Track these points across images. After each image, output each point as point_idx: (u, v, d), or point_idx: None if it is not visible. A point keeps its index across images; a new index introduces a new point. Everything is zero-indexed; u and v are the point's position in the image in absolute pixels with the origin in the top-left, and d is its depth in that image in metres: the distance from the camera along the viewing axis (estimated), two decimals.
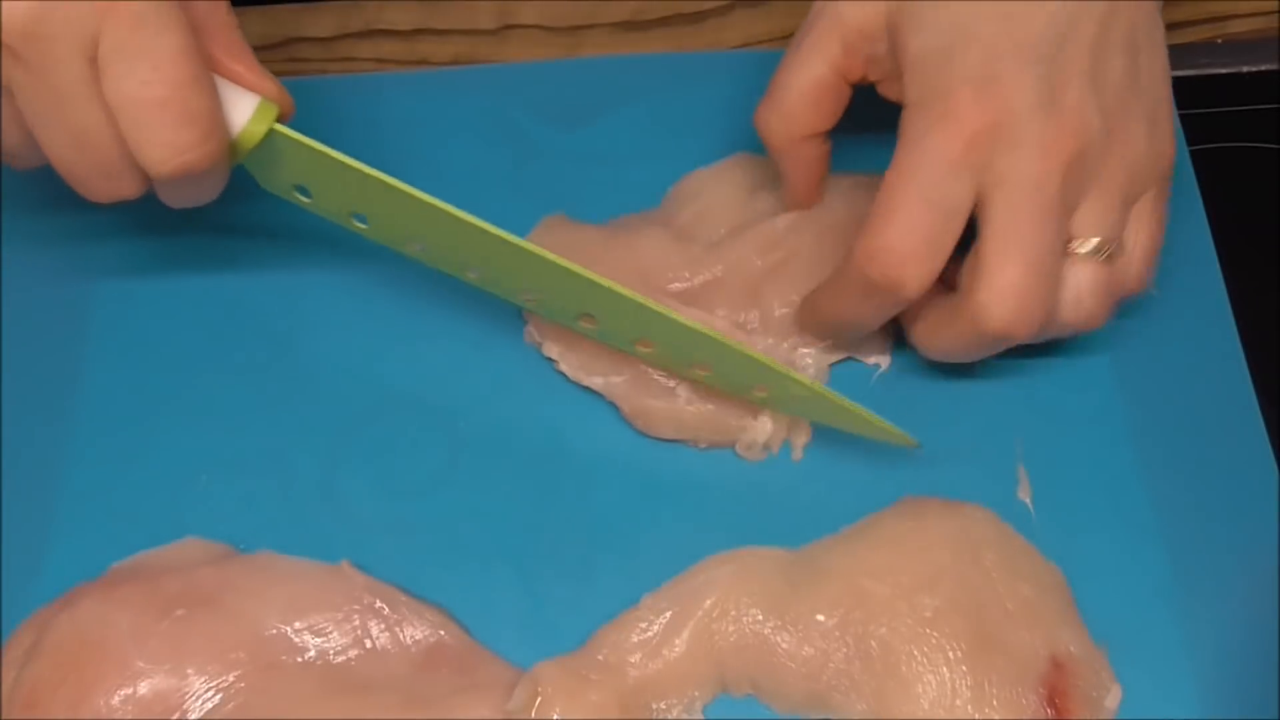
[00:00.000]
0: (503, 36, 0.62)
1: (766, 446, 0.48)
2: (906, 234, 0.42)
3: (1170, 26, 0.61)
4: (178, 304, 0.53)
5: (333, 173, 0.45)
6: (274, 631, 0.44)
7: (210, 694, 0.42)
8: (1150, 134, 0.44)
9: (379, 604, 0.44)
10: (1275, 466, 0.47)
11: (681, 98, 0.57)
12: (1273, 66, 0.60)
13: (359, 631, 0.44)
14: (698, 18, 0.62)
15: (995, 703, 0.42)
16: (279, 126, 0.45)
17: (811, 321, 0.48)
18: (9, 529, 0.48)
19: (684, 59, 0.60)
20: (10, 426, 0.50)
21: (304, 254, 0.54)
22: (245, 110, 0.44)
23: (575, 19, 0.62)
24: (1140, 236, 0.45)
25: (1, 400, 0.51)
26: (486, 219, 0.54)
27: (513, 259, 0.45)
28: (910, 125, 0.43)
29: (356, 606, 0.44)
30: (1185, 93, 0.57)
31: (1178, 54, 0.59)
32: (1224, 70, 0.60)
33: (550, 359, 0.50)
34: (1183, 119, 0.56)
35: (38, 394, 0.51)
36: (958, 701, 0.42)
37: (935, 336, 0.46)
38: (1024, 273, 0.42)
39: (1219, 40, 0.61)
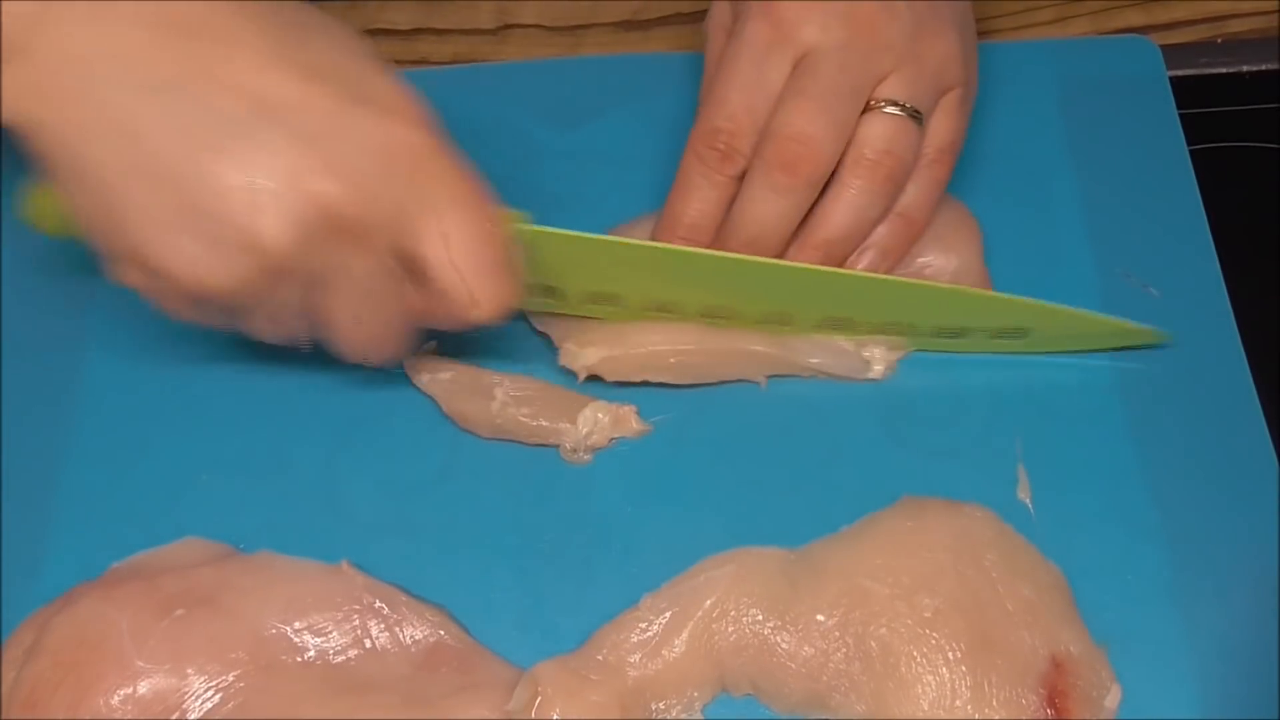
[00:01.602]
0: (503, 36, 0.62)
1: (592, 448, 0.49)
2: (732, 115, 0.47)
3: (1170, 26, 0.61)
4: None
5: (582, 254, 0.46)
6: (274, 631, 0.44)
7: (210, 694, 0.42)
8: (961, 38, 0.49)
9: (379, 604, 0.44)
10: (1276, 466, 0.47)
11: (681, 98, 0.57)
12: (1273, 66, 0.60)
13: (359, 631, 0.44)
14: (698, 17, 0.62)
15: (995, 703, 0.42)
16: (535, 226, 0.45)
17: (667, 230, 0.49)
18: (9, 529, 0.48)
19: (684, 59, 0.60)
20: (10, 426, 0.50)
21: None
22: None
23: (575, 19, 0.62)
24: (943, 123, 0.49)
25: (1, 400, 0.51)
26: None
27: (770, 281, 0.47)
28: (735, 26, 0.49)
29: (356, 606, 0.44)
30: (1185, 93, 0.57)
31: (1178, 54, 0.60)
32: (1224, 70, 0.60)
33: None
34: (1183, 119, 0.56)
35: (38, 394, 0.51)
36: (957, 702, 0.42)
37: (745, 201, 0.47)
38: (812, 105, 0.46)
39: (1219, 40, 0.61)
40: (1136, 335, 0.49)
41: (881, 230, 0.48)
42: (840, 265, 0.48)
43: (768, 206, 0.47)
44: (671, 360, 0.49)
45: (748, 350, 0.49)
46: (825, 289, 0.48)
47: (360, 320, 0.43)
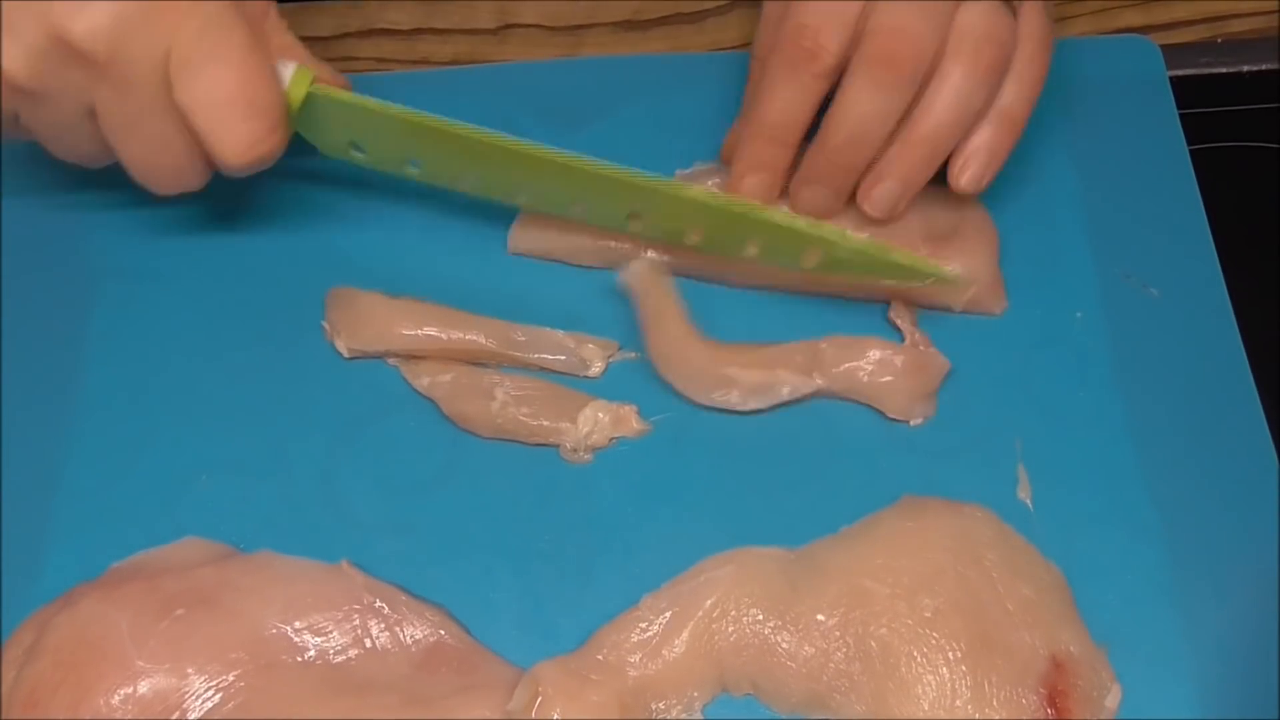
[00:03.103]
0: (503, 36, 0.62)
1: (592, 448, 0.49)
2: (818, 11, 0.46)
3: (1170, 26, 0.61)
4: (178, 304, 0.53)
5: (376, 123, 0.49)
6: (274, 631, 0.44)
7: (210, 694, 0.42)
8: None
9: (379, 604, 0.44)
10: (1276, 466, 0.47)
11: (681, 98, 0.57)
12: (1273, 66, 0.60)
13: (359, 631, 0.44)
14: (697, 17, 0.62)
15: (995, 703, 0.42)
16: (316, 87, 0.48)
17: (751, 133, 0.49)
18: (9, 529, 0.48)
19: (684, 59, 0.60)
20: (10, 426, 0.50)
21: (304, 254, 0.54)
22: (284, 77, 0.47)
23: (575, 19, 0.62)
24: (1033, 19, 0.48)
25: (1, 400, 0.51)
26: (485, 219, 0.55)
27: (560, 175, 0.48)
28: None
29: (356, 606, 0.44)
30: (1185, 93, 0.57)
31: (1178, 54, 0.60)
32: (1224, 70, 0.60)
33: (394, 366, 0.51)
34: (1183, 119, 0.56)
35: (38, 393, 0.51)
36: (957, 702, 0.42)
37: (846, 99, 0.47)
38: (910, 2, 0.45)
39: (1219, 40, 0.61)
40: (914, 272, 0.49)
41: (985, 133, 0.48)
42: (953, 157, 0.48)
43: (870, 104, 0.46)
44: (411, 344, 0.50)
45: (477, 342, 0.50)
46: (616, 189, 0.49)
47: (135, 149, 0.47)
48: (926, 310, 0.51)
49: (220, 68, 0.45)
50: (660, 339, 0.50)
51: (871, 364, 0.48)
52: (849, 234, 0.49)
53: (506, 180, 0.50)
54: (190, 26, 0.44)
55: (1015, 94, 0.48)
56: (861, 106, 0.46)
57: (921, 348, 0.49)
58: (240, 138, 0.45)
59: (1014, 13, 0.47)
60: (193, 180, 0.48)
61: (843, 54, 0.46)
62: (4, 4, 0.43)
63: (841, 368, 0.48)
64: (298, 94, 0.47)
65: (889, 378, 0.48)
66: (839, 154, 0.47)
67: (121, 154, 0.47)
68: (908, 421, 0.49)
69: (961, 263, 0.50)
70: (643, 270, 0.51)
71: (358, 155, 0.51)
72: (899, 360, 0.48)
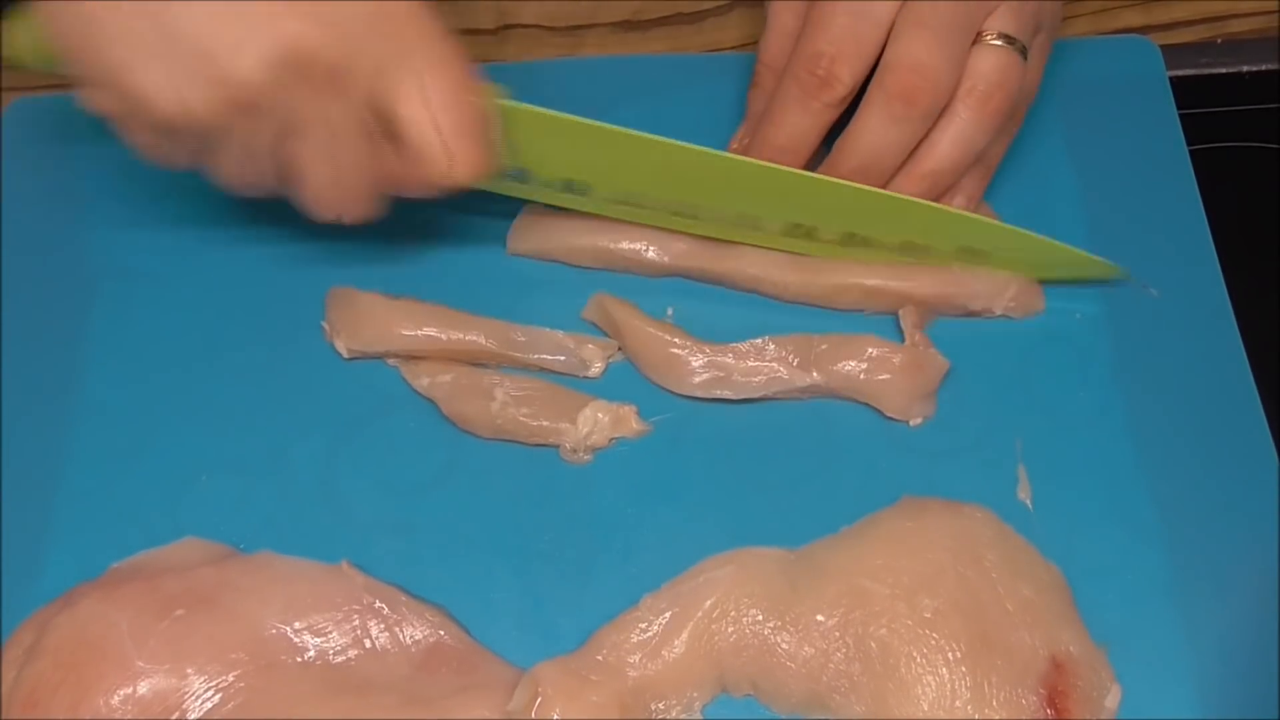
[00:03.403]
0: (503, 36, 0.62)
1: (591, 448, 0.49)
2: (836, 39, 0.47)
3: (1170, 26, 0.61)
4: (178, 304, 0.53)
5: (558, 135, 0.47)
6: (274, 631, 0.44)
7: (210, 694, 0.42)
8: None
9: (379, 604, 0.44)
10: (1276, 466, 0.47)
11: (681, 98, 0.57)
12: (1273, 66, 0.60)
13: (359, 631, 0.44)
14: (697, 18, 0.62)
15: (995, 703, 0.42)
16: (505, 101, 0.46)
17: (757, 155, 0.49)
18: (9, 529, 0.48)
19: (684, 59, 0.60)
20: (10, 426, 0.50)
21: (304, 254, 0.54)
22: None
23: (575, 19, 0.62)
24: (1036, 58, 0.50)
25: (1, 400, 0.51)
26: (485, 220, 0.54)
27: (731, 180, 0.48)
28: None
29: (356, 606, 0.44)
30: (1185, 93, 0.57)
31: (1178, 54, 0.60)
32: (1224, 70, 0.60)
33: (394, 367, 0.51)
34: (1183, 119, 0.56)
35: (38, 394, 0.51)
36: (957, 702, 0.42)
37: (860, 129, 0.47)
38: (931, 36, 0.46)
39: (1219, 40, 0.61)
40: (1095, 267, 0.50)
41: (967, 180, 0.50)
42: (940, 198, 0.49)
43: (884, 136, 0.47)
44: (411, 344, 0.50)
45: (477, 342, 0.50)
46: (787, 191, 0.48)
47: (330, 172, 0.44)
48: (961, 318, 0.51)
49: (449, 79, 0.42)
50: (636, 344, 0.50)
51: (868, 361, 0.48)
52: (1012, 227, 0.49)
53: (671, 198, 0.49)
54: (424, 35, 0.42)
55: (999, 143, 0.50)
56: (876, 136, 0.47)
57: (921, 349, 0.49)
58: (465, 154, 0.43)
59: (1025, 57, 0.48)
60: (372, 208, 0.47)
61: (856, 84, 0.47)
62: (233, 9, 0.40)
63: (838, 365, 0.49)
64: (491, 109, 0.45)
65: (886, 376, 0.48)
66: (850, 179, 0.48)
67: (313, 176, 0.45)
68: (907, 421, 0.49)
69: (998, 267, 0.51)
70: (596, 305, 0.51)
71: (513, 184, 0.49)
72: (897, 358, 0.48)
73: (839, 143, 0.48)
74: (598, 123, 0.46)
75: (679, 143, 0.47)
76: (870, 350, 0.49)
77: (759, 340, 0.49)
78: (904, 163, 0.48)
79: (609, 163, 0.48)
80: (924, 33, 0.46)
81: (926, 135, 0.48)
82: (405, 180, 0.45)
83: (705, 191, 0.49)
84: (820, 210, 0.49)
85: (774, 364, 0.49)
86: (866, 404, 0.49)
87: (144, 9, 0.40)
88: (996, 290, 0.50)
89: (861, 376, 0.49)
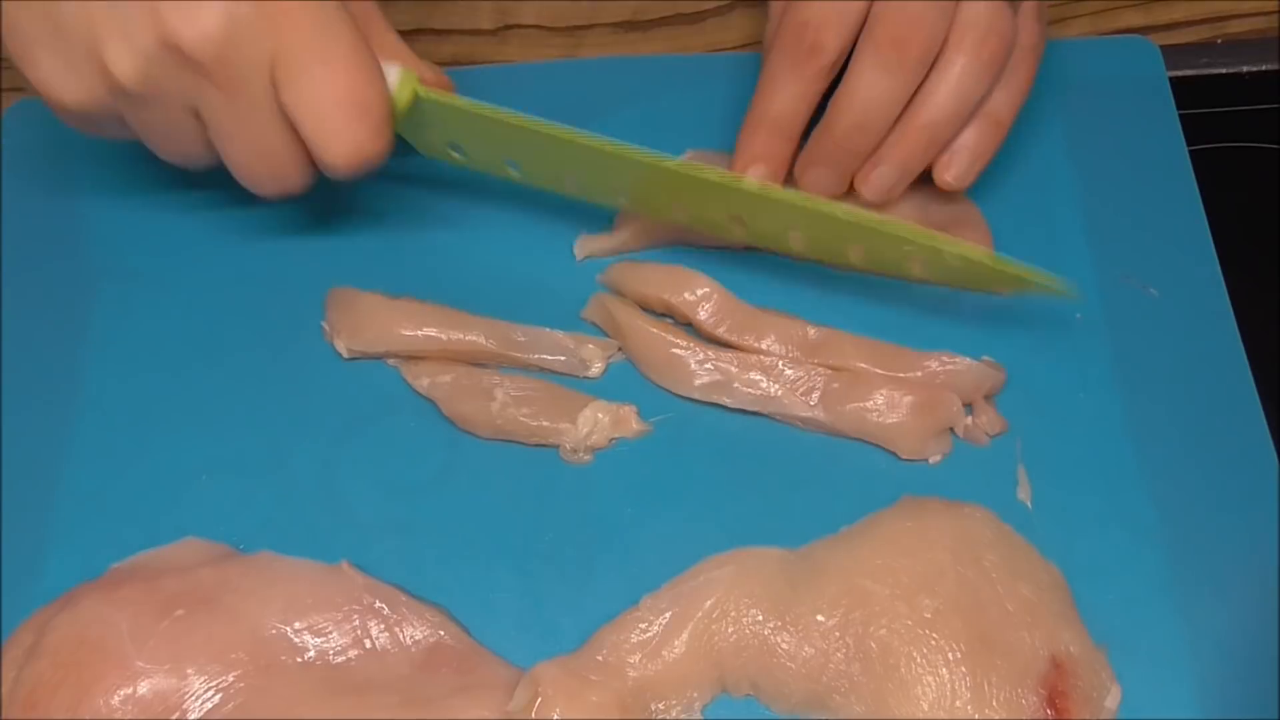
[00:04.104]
0: (503, 36, 0.62)
1: (592, 448, 0.49)
2: (820, 7, 0.47)
3: (1170, 26, 0.61)
4: (178, 304, 0.53)
5: (479, 125, 0.48)
6: (274, 631, 0.44)
7: (210, 694, 0.42)
8: None
9: (379, 604, 0.44)
10: (1276, 466, 0.47)
11: (681, 98, 0.57)
12: (1273, 66, 0.60)
13: (359, 631, 0.44)
14: (698, 18, 0.62)
15: (995, 703, 0.42)
16: (422, 90, 0.48)
17: (753, 128, 0.50)
18: (9, 529, 0.48)
19: (684, 60, 0.60)
20: (10, 426, 0.50)
21: (303, 255, 0.54)
22: (390, 81, 0.47)
23: (575, 19, 0.62)
24: (1027, 24, 0.49)
25: (1, 400, 0.51)
26: (485, 220, 0.54)
27: (663, 179, 0.48)
28: None
29: (356, 606, 0.44)
30: (1185, 93, 0.57)
31: (1178, 54, 0.60)
32: (1224, 70, 0.60)
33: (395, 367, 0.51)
34: (1183, 119, 0.56)
35: (38, 394, 0.51)
36: (957, 703, 0.42)
37: (853, 82, 0.47)
38: None
39: (1219, 40, 0.61)
40: (1034, 283, 0.48)
41: (971, 132, 0.49)
42: (939, 152, 0.49)
43: (877, 87, 0.47)
44: (411, 344, 0.50)
45: (477, 342, 0.50)
46: (722, 193, 0.48)
47: (241, 152, 0.47)
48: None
49: (329, 69, 0.44)
50: (637, 344, 0.50)
51: (877, 405, 0.48)
52: (963, 244, 0.47)
53: (607, 182, 0.50)
54: (300, 28, 0.44)
55: (1003, 97, 0.49)
56: (869, 90, 0.47)
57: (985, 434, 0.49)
58: (347, 141, 0.45)
59: (1015, 11, 0.48)
60: (296, 183, 0.48)
61: (843, 50, 0.47)
62: (112, 6, 0.43)
63: (847, 406, 0.48)
64: (403, 97, 0.47)
65: (896, 419, 0.48)
66: (845, 138, 0.48)
67: (226, 156, 0.47)
68: (925, 461, 0.48)
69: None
70: (596, 305, 0.51)
71: (456, 156, 0.51)
72: (906, 400, 0.48)
73: (833, 101, 0.48)
74: (502, 114, 0.48)
75: (591, 139, 0.47)
76: (879, 396, 0.48)
77: (771, 358, 0.49)
78: (900, 116, 0.48)
79: (533, 150, 0.49)
80: None
81: (921, 87, 0.47)
82: (314, 159, 0.47)
83: (637, 186, 0.50)
84: (757, 211, 0.49)
85: (775, 386, 0.49)
86: (879, 447, 0.48)
87: (37, 5, 0.43)
88: None
89: (872, 419, 0.48)
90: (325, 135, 0.45)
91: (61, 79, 0.44)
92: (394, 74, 0.47)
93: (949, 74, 0.47)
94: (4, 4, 0.43)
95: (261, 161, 0.47)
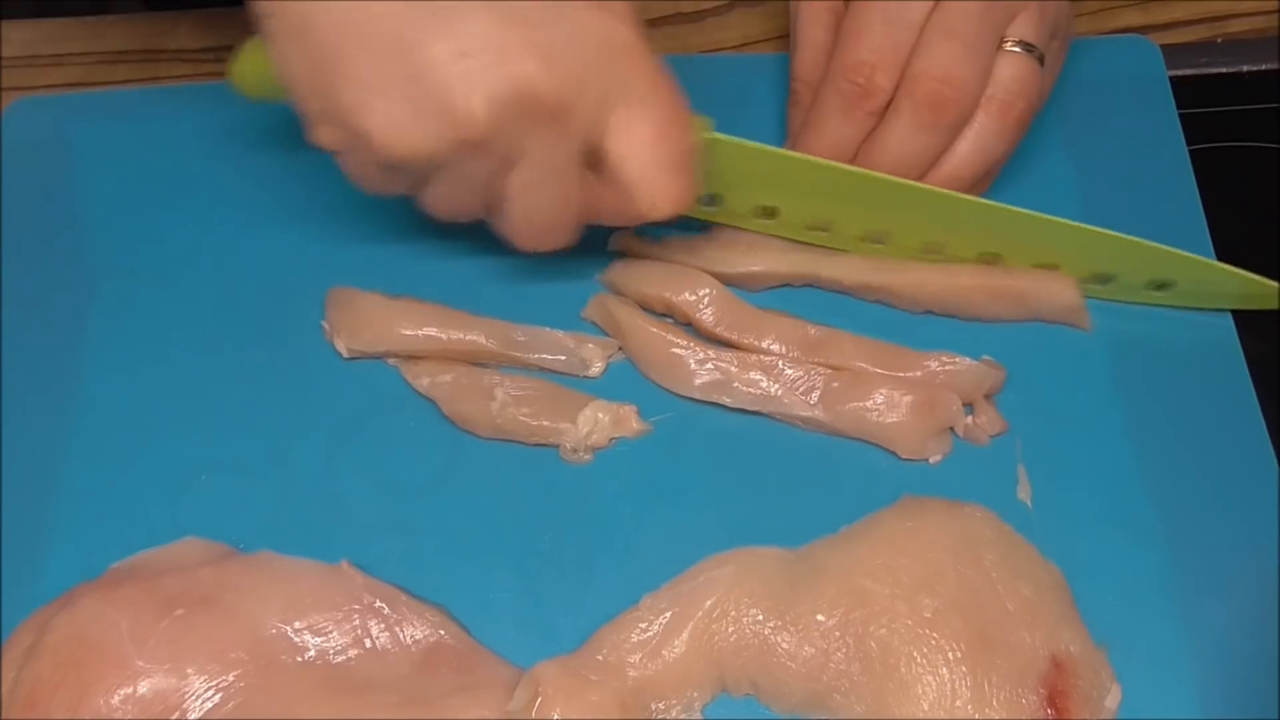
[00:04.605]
0: None
1: (592, 448, 0.49)
2: (875, 48, 0.47)
3: (1170, 26, 0.61)
4: (177, 303, 0.53)
5: (759, 166, 0.48)
6: (274, 631, 0.44)
7: (210, 694, 0.42)
8: None
9: (379, 604, 0.44)
10: (1276, 466, 0.47)
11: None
12: (1273, 66, 0.60)
13: (359, 631, 0.44)
14: (697, 17, 0.62)
15: (995, 703, 0.42)
16: (718, 134, 0.47)
17: None
18: (9, 529, 0.48)
19: (683, 60, 0.60)
20: (10, 426, 0.50)
21: (304, 254, 0.54)
22: None
23: None
24: (1053, 64, 0.51)
25: (1, 400, 0.51)
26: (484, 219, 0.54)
27: (932, 209, 0.49)
28: None
29: (356, 606, 0.44)
30: (1185, 93, 0.57)
31: (1178, 54, 0.60)
32: (1224, 70, 0.60)
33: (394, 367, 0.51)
34: (1183, 119, 0.56)
35: (38, 394, 0.51)
36: (957, 702, 0.42)
37: (888, 136, 0.48)
38: (960, 47, 0.46)
39: (1219, 40, 0.61)
40: (1261, 295, 0.49)
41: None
42: None
43: (912, 144, 0.48)
44: (411, 344, 0.50)
45: (477, 342, 0.50)
46: (980, 221, 0.49)
47: (538, 204, 0.45)
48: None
49: (660, 118, 0.44)
50: (637, 344, 0.50)
51: (876, 405, 0.48)
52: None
53: (863, 226, 0.50)
54: (643, 70, 0.43)
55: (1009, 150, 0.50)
56: (905, 145, 0.48)
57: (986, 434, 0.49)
58: (672, 190, 0.44)
59: (1042, 64, 0.49)
60: (572, 236, 0.48)
61: (894, 91, 0.47)
62: (463, 54, 0.41)
63: (847, 406, 0.48)
64: (699, 140, 0.46)
65: (896, 418, 0.48)
66: None
67: (524, 208, 0.46)
68: (925, 460, 0.48)
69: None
70: (597, 305, 0.51)
71: (707, 210, 0.51)
72: (906, 400, 0.48)
73: (864, 148, 0.49)
74: (798, 154, 0.48)
75: (870, 172, 0.48)
76: (878, 395, 0.48)
77: (771, 358, 0.49)
78: None
79: (802, 190, 0.49)
80: (953, 43, 0.46)
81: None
82: (610, 211, 0.46)
83: (895, 219, 0.50)
84: (1009, 239, 0.50)
85: (775, 385, 0.49)
86: (880, 446, 0.49)
87: (379, 46, 0.41)
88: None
89: (872, 419, 0.48)
90: (650, 184, 0.44)
91: (404, 127, 0.42)
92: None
93: (974, 134, 0.48)
94: (345, 54, 0.42)
95: (558, 212, 0.46)
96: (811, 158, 0.48)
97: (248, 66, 0.49)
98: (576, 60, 0.42)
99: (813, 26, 0.51)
